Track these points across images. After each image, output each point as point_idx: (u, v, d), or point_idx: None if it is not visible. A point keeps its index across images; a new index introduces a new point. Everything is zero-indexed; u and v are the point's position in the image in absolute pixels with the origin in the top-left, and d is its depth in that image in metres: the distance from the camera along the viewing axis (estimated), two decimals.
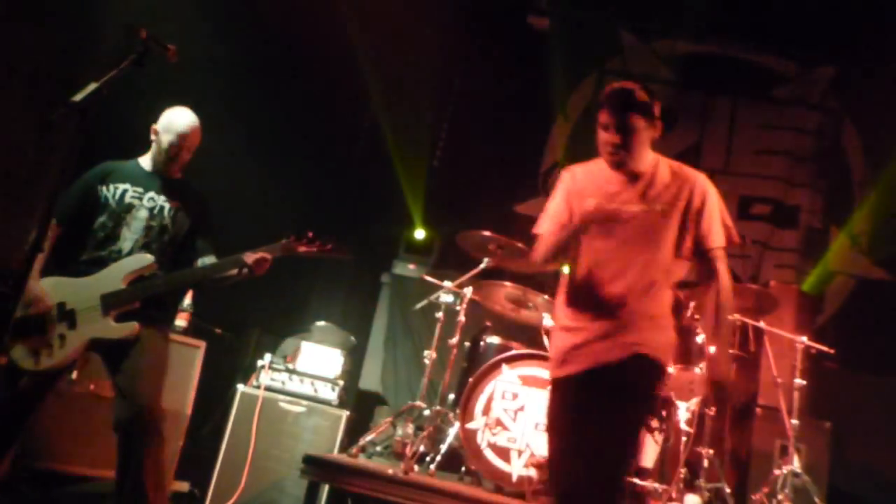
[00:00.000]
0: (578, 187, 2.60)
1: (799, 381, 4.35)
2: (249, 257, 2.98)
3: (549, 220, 2.63)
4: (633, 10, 6.80)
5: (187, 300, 4.50)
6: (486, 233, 4.39)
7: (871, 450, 5.36)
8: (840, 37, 6.34)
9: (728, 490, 4.22)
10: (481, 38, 6.72)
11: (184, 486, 4.20)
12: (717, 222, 2.52)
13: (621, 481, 2.35)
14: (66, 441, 3.75)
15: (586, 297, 2.49)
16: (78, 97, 2.26)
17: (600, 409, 2.39)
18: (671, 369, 3.56)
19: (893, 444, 5.15)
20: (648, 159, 2.55)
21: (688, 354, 4.15)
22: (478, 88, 6.70)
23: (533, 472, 3.75)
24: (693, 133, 6.84)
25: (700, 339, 4.18)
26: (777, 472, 4.26)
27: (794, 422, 4.27)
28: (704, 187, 2.54)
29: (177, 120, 3.12)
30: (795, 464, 4.23)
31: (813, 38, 6.52)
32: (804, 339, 4.45)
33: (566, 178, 2.66)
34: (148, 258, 2.97)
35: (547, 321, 4.39)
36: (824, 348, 4.51)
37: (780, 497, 4.12)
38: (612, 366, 2.39)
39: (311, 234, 3.08)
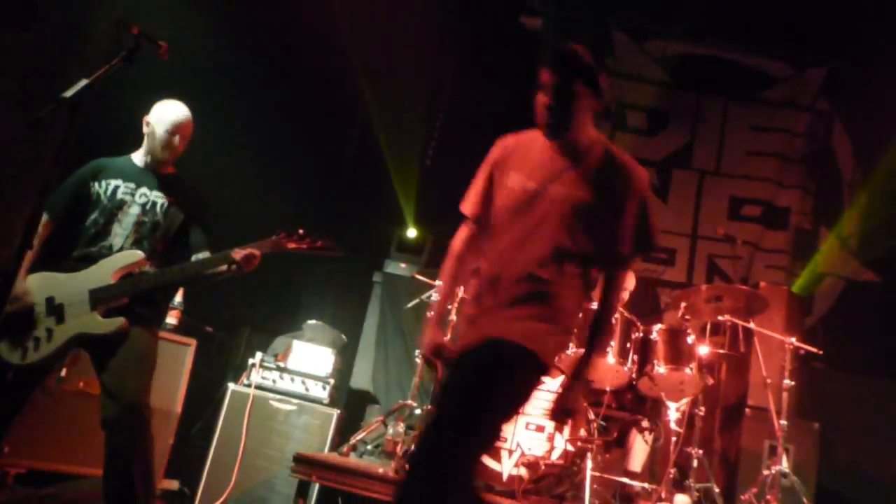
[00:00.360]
0: (505, 158, 2.42)
1: (788, 382, 4.37)
2: (238, 253, 2.96)
3: (475, 198, 2.46)
4: (626, 11, 6.81)
5: (178, 298, 4.49)
6: None
7: (859, 450, 5.40)
8: (831, 39, 6.38)
9: (717, 490, 4.24)
10: (473, 38, 6.72)
11: (174, 485, 4.20)
12: (641, 225, 2.31)
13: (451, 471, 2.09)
14: (56, 439, 3.73)
15: (484, 273, 2.34)
16: (68, 93, 2.25)
17: (452, 391, 2.24)
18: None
19: (881, 445, 5.19)
20: (587, 136, 2.34)
21: (678, 355, 4.17)
22: (470, 88, 6.70)
23: (523, 472, 3.76)
24: (685, 133, 6.86)
25: (690, 339, 4.20)
26: (766, 472, 4.29)
27: (783, 422, 4.30)
28: (639, 183, 2.32)
29: (171, 110, 3.12)
30: (784, 464, 4.25)
31: (804, 40, 6.56)
32: (793, 339, 4.47)
33: (496, 149, 2.48)
34: (138, 254, 2.96)
35: None
36: (813, 349, 4.54)
37: (768, 497, 4.14)
38: (468, 350, 2.25)
39: (301, 231, 3.07)
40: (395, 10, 6.10)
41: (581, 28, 6.92)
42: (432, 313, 2.55)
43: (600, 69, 2.30)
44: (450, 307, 4.24)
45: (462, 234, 2.50)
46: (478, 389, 2.17)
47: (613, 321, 2.34)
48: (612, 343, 4.11)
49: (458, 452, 2.09)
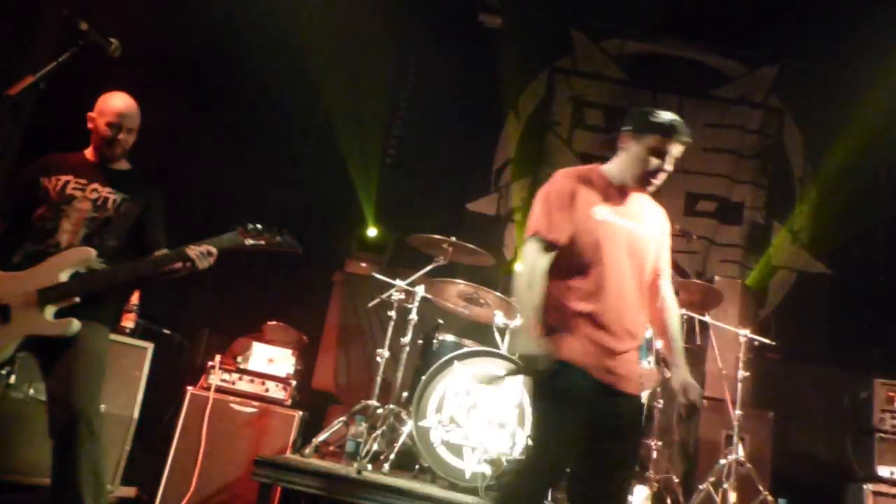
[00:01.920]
0: (579, 195, 2.59)
1: (743, 373, 4.47)
2: (192, 250, 2.86)
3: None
4: (583, 10, 6.88)
5: (134, 300, 4.39)
6: (437, 235, 4.42)
7: (812, 437, 5.55)
8: (782, 38, 6.54)
9: (676, 480, 4.33)
10: (433, 36, 6.72)
11: (131, 492, 4.11)
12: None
13: None
14: (2, 448, 3.62)
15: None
16: (13, 90, 2.19)
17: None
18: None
19: (833, 431, 5.34)
20: None
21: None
22: (430, 86, 6.70)
23: (486, 469, 3.77)
24: None
25: (649, 333, 4.26)
26: (723, 461, 4.38)
27: (739, 412, 4.39)
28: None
29: (112, 101, 3.04)
30: (740, 453, 4.35)
31: (756, 39, 6.71)
32: (747, 332, 4.58)
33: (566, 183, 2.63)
34: (88, 251, 2.85)
35: (499, 319, 4.42)
36: (766, 340, 4.64)
37: (725, 485, 4.23)
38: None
39: (259, 226, 2.97)
40: (355, 8, 6.06)
41: (540, 27, 6.98)
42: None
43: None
44: None
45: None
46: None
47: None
48: None
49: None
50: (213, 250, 2.90)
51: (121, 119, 3.01)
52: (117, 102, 3.04)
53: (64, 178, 2.97)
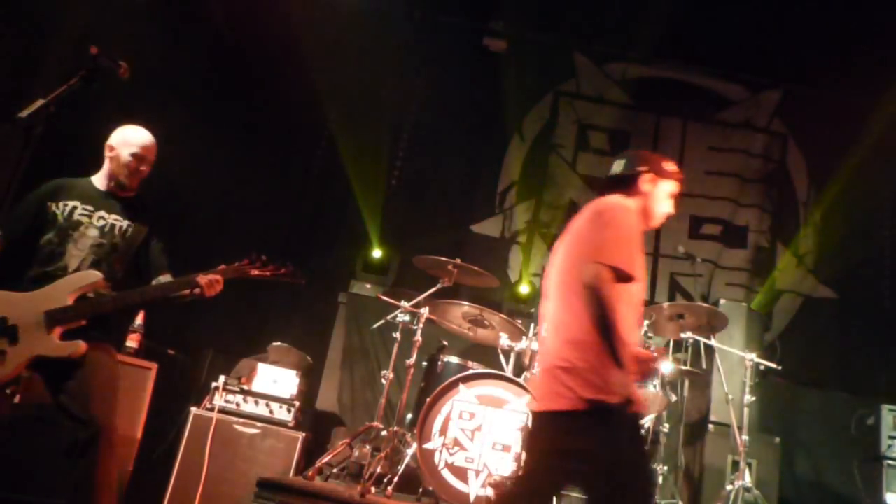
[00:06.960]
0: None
1: (749, 398, 4.44)
2: (202, 279, 2.94)
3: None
4: (587, 34, 6.95)
5: (138, 320, 4.40)
6: (442, 257, 4.43)
7: (819, 463, 5.50)
8: (785, 63, 6.59)
9: None
10: (439, 60, 6.80)
11: None
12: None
13: None
14: (10, 467, 3.61)
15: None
16: (24, 113, 2.21)
17: None
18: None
19: (839, 457, 5.29)
20: None
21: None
22: (435, 109, 6.77)
23: (490, 492, 3.74)
24: None
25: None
26: (729, 487, 4.34)
27: (745, 437, 4.36)
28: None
29: (136, 134, 3.10)
30: (747, 478, 4.31)
31: (759, 63, 6.76)
32: (753, 356, 4.55)
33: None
34: (96, 275, 2.90)
35: (504, 341, 4.41)
36: (772, 365, 4.62)
37: None
38: None
39: (264, 258, 3.07)
40: (361, 33, 6.14)
41: (544, 51, 7.04)
42: None
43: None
44: None
45: None
46: None
47: None
48: None
49: None
50: (220, 279, 2.97)
51: (145, 152, 3.09)
52: (143, 135, 3.11)
53: (71, 203, 3.02)
